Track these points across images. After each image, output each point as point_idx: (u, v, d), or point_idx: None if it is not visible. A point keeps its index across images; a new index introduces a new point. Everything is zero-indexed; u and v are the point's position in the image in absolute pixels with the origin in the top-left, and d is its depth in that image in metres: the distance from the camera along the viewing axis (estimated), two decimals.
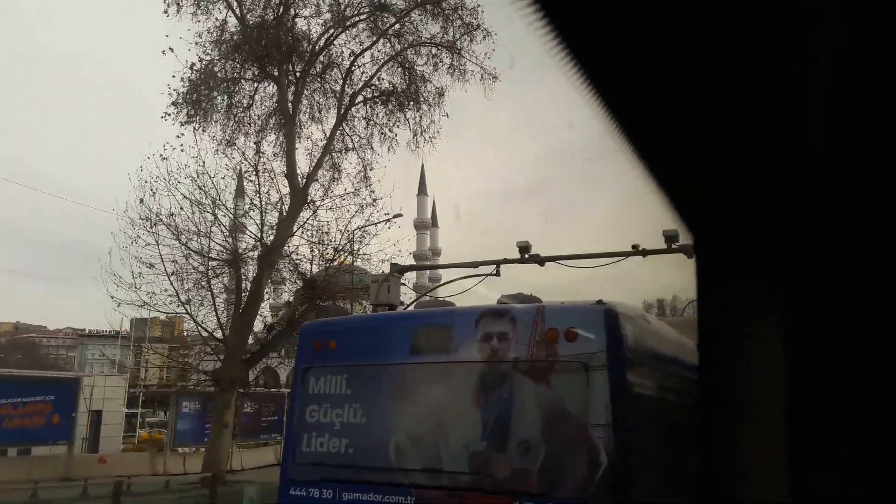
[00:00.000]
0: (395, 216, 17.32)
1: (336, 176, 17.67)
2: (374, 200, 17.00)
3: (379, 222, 16.78)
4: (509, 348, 4.11)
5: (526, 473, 3.84)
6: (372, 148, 17.86)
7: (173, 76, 17.92)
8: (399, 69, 18.03)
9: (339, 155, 17.71)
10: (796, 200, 1.14)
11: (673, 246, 11.07)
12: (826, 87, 0.95)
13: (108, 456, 19.35)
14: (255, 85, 18.21)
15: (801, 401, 1.20)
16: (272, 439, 22.62)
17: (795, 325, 1.19)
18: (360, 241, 16.96)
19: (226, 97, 17.62)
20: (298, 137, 17.67)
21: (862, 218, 1.13)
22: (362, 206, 16.88)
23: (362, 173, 17.49)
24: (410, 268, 15.97)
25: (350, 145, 17.91)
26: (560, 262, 11.99)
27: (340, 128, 17.78)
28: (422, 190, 71.14)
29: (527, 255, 12.01)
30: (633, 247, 11.41)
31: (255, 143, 17.54)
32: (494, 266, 12.63)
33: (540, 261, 12.00)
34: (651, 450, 4.21)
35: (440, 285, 15.70)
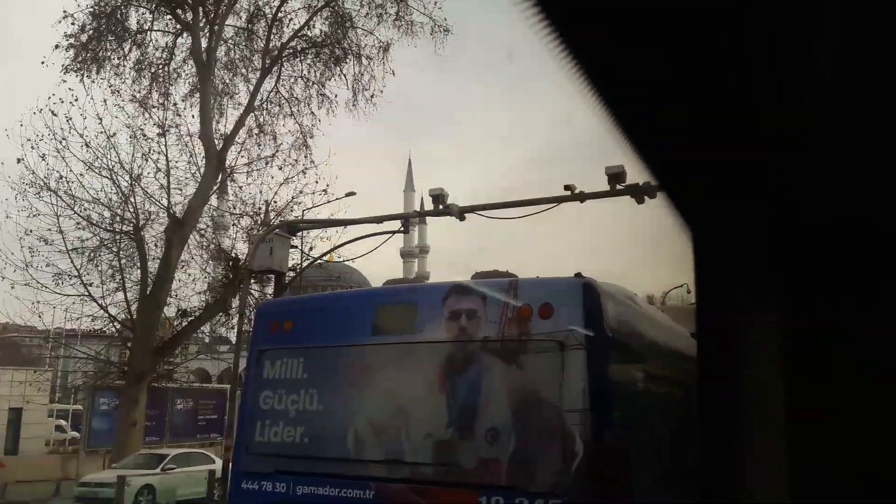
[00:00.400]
0: (347, 194, 15.94)
1: (263, 140, 16.00)
2: (303, 170, 15.54)
3: (323, 203, 15.33)
4: (478, 327, 4.01)
5: (494, 464, 3.73)
6: (313, 113, 16.28)
7: (64, 17, 15.49)
8: (334, 19, 16.32)
9: (272, 118, 16.20)
10: (796, 201, 1.20)
11: (617, 187, 9.53)
12: (825, 88, 0.99)
13: (16, 459, 17.85)
14: (173, 38, 16.34)
15: (800, 401, 1.26)
16: (213, 440, 21.34)
17: (795, 325, 1.26)
18: (291, 215, 15.51)
19: (134, 48, 15.84)
20: (216, 95, 15.94)
21: (862, 218, 1.18)
22: (297, 174, 15.41)
23: (300, 141, 15.99)
24: (300, 223, 14.23)
25: (287, 110, 16.30)
26: (480, 212, 10.57)
27: (275, 90, 16.25)
28: (409, 186, 70.39)
29: (441, 206, 10.66)
30: (568, 188, 9.87)
31: (160, 94, 15.74)
32: (401, 223, 11.50)
33: (457, 213, 10.60)
34: (634, 440, 4.17)
35: (337, 247, 14.53)
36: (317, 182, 16.02)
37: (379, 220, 11.96)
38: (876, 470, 1.30)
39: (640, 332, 4.80)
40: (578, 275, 3.92)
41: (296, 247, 14.01)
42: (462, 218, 10.66)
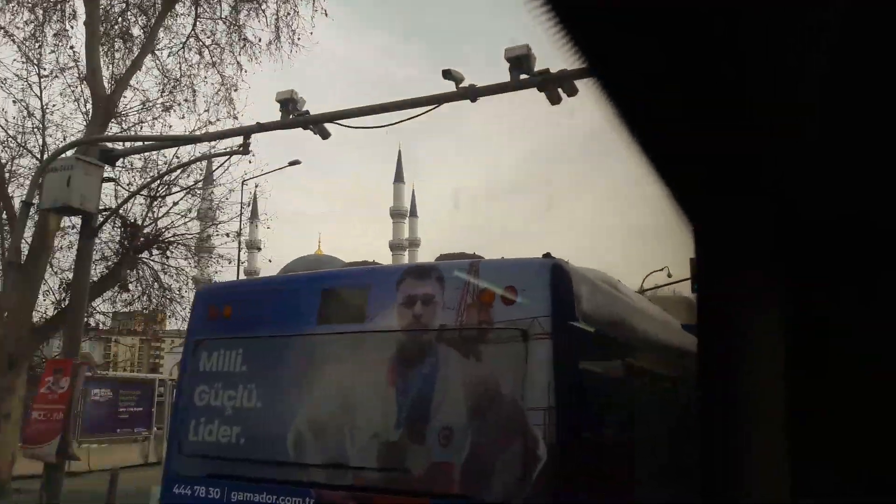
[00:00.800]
0: (291, 163, 14.48)
1: (169, 87, 14.28)
2: (210, 120, 13.59)
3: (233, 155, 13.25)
4: (435, 314, 3.81)
5: (447, 469, 3.53)
6: (239, 63, 14.57)
7: None
8: None
9: (191, 68, 14.53)
10: (795, 195, 1.26)
11: (521, 77, 7.47)
12: (820, 79, 1.02)
13: None
14: None
15: (801, 397, 1.33)
16: (136, 435, 20.08)
17: (796, 321, 1.32)
18: (201, 175, 14.13)
19: None
20: (106, 31, 14.09)
21: (862, 213, 1.25)
22: (204, 126, 13.36)
23: (223, 94, 14.32)
24: (111, 140, 11.78)
25: (209, 58, 14.59)
26: (342, 122, 8.59)
27: (193, 34, 14.58)
28: (399, 177, 69.63)
29: (292, 116, 8.65)
30: (450, 76, 7.68)
31: (40, 31, 13.85)
32: (243, 139, 9.52)
33: (312, 124, 8.66)
34: (609, 443, 4.06)
35: (164, 174, 12.93)
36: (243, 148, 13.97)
37: (212, 137, 10.61)
38: (875, 467, 1.37)
39: (622, 322, 4.66)
40: (547, 255, 3.76)
41: (113, 179, 12.19)
42: (323, 134, 8.73)
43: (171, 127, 13.97)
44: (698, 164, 1.21)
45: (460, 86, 7.80)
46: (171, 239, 13.61)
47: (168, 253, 14.06)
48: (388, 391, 3.81)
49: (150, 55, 14.09)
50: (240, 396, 4.29)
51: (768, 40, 0.97)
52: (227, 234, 15.26)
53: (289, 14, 14.33)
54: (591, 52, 1.01)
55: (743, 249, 1.28)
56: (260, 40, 14.40)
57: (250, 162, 14.57)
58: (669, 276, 14.83)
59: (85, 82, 13.53)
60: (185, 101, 14.00)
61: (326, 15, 14.50)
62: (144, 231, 13.51)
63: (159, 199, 13.53)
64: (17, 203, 13.04)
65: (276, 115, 8.91)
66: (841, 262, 1.33)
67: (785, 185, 1.21)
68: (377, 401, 3.89)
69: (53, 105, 14.14)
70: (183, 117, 14.52)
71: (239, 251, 20.35)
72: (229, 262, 14.99)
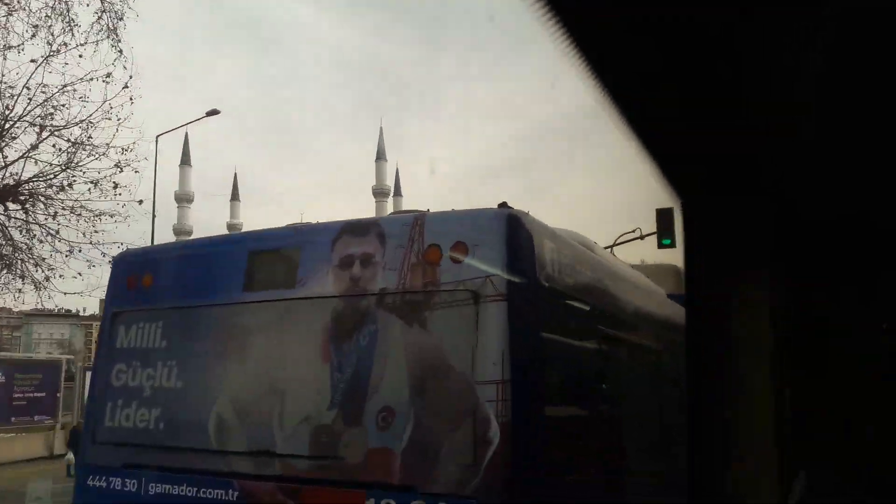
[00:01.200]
0: (209, 113, 13.04)
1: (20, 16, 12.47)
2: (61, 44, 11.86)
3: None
4: (375, 276, 3.48)
5: (386, 456, 3.21)
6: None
7: None
8: None
9: None
10: (794, 194, 1.34)
11: None
12: (816, 78, 1.07)
13: None
14: None
15: (797, 398, 1.59)
16: (38, 423, 18.46)
17: (796, 321, 1.55)
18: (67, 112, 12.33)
19: None
20: None
21: (862, 213, 1.41)
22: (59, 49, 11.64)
23: (106, 25, 12.41)
24: None
25: None
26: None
27: None
28: (380, 155, 67.16)
29: None
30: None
31: None
32: None
33: None
34: (573, 423, 3.76)
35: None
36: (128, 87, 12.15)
37: None
38: (875, 467, 1.79)
39: (595, 286, 4.38)
40: (504, 205, 3.46)
41: None
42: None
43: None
44: (697, 163, 1.25)
45: None
46: (40, 191, 11.94)
47: (30, 208, 12.26)
48: (321, 367, 3.57)
49: None
50: (159, 376, 4.01)
51: (764, 39, 0.99)
52: (94, 185, 13.12)
53: None
54: (593, 55, 1.02)
55: (740, 249, 1.31)
56: None
57: (132, 101, 12.90)
58: (641, 238, 14.91)
59: None
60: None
61: None
62: None
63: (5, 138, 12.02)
64: None
65: None
66: (841, 262, 1.49)
67: (783, 185, 1.25)
68: (308, 378, 3.65)
69: None
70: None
71: (154, 208, 18.96)
72: (125, 220, 13.09)
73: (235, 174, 79.95)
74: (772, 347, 1.37)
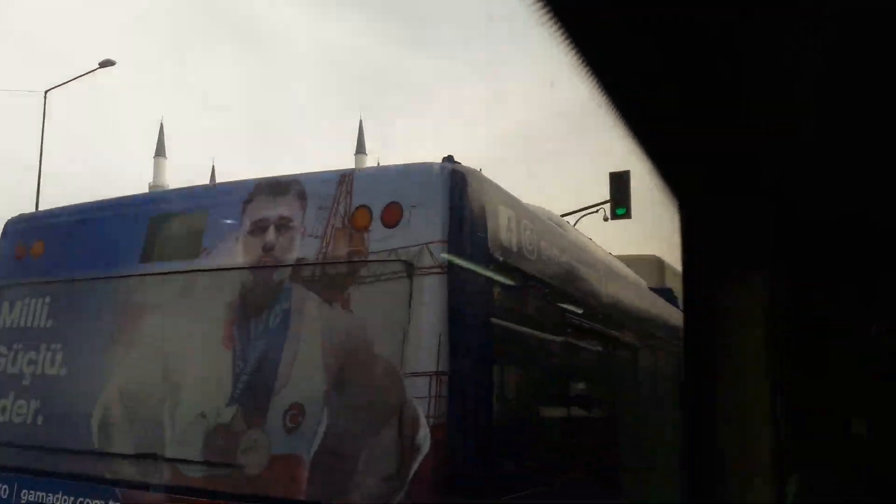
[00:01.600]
0: (102, 64, 13.07)
1: None
2: None
3: None
4: (292, 244, 2.95)
5: (291, 465, 2.65)
6: None
7: None
8: None
9: None
10: (795, 194, 1.33)
11: None
12: (816, 78, 1.06)
13: None
14: None
15: (797, 399, 1.72)
16: None
17: (796, 320, 1.61)
18: None
19: None
20: None
21: (862, 213, 1.40)
22: None
23: None
24: None
25: None
26: None
27: None
28: (360, 149, 68.32)
29: None
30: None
31: None
32: None
33: None
34: (524, 427, 3.19)
35: None
36: None
37: None
38: (876, 467, 1.75)
39: (563, 268, 3.82)
40: (450, 159, 2.94)
41: None
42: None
43: None
44: (697, 163, 1.24)
45: None
46: None
47: None
48: (222, 354, 3.14)
49: None
50: (41, 361, 3.53)
51: (764, 39, 0.98)
52: None
53: None
54: (590, 55, 1.00)
55: (739, 249, 1.30)
56: None
57: None
58: (606, 219, 13.76)
59: None
60: None
61: None
62: None
63: None
64: None
65: None
66: (841, 262, 1.56)
67: (783, 185, 1.28)
68: (207, 368, 3.15)
69: None
70: None
71: (41, 167, 19.02)
72: None
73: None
74: (772, 348, 1.38)
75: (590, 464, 3.84)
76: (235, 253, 3.07)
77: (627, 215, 11.63)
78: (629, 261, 6.54)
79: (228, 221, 3.14)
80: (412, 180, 2.81)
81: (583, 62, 1.02)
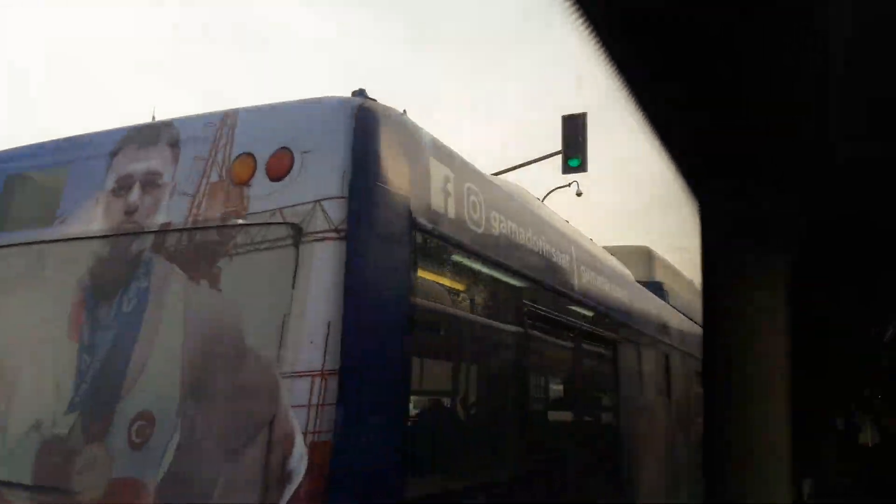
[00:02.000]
0: None
1: None
2: None
3: None
4: (157, 205, 2.37)
5: (132, 492, 2.05)
6: None
7: None
8: None
9: None
10: (797, 194, 1.32)
11: None
12: (815, 79, 1.08)
13: None
14: None
15: (806, 396, 1.95)
16: None
17: (796, 320, 1.38)
18: None
19: None
20: None
21: (862, 213, 1.46)
22: None
23: None
24: None
25: None
26: None
27: None
28: None
29: None
30: None
31: None
32: None
33: None
34: (448, 447, 2.59)
35: None
36: None
37: None
38: (876, 467, 2.82)
39: (518, 245, 3.12)
40: (361, 93, 2.30)
41: None
42: None
43: None
44: (706, 158, 1.27)
45: None
46: None
47: None
48: (67, 347, 2.48)
49: None
50: None
51: (763, 40, 1.01)
52: None
53: None
54: (614, 49, 1.04)
55: (756, 250, 1.31)
56: None
57: None
58: (579, 194, 13.02)
59: None
60: None
61: None
62: None
63: None
64: None
65: None
66: (841, 262, 1.58)
67: (785, 185, 1.28)
68: (49, 364, 2.47)
69: None
70: None
71: None
72: None
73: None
74: (790, 349, 1.38)
75: (525, 480, 3.06)
76: (92, 218, 2.50)
77: (583, 168, 9.70)
78: (617, 251, 6.08)
79: (90, 179, 2.57)
80: (308, 120, 2.21)
81: (607, 58, 1.04)
